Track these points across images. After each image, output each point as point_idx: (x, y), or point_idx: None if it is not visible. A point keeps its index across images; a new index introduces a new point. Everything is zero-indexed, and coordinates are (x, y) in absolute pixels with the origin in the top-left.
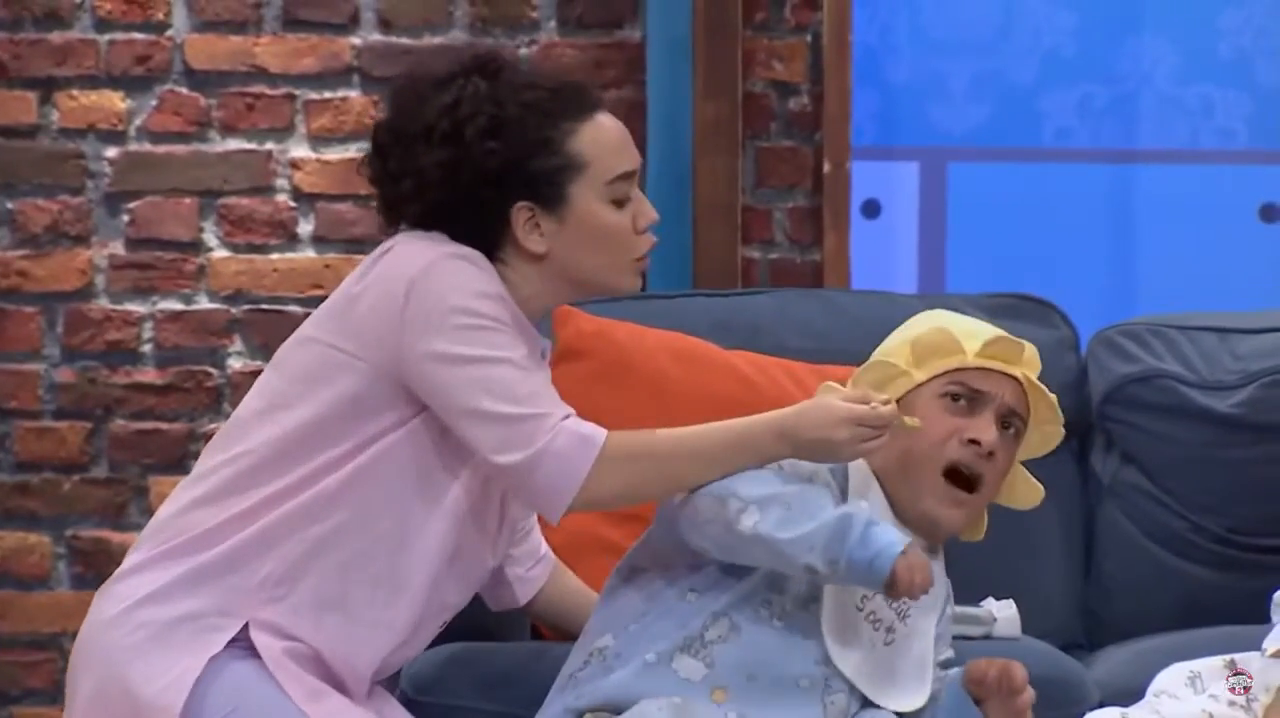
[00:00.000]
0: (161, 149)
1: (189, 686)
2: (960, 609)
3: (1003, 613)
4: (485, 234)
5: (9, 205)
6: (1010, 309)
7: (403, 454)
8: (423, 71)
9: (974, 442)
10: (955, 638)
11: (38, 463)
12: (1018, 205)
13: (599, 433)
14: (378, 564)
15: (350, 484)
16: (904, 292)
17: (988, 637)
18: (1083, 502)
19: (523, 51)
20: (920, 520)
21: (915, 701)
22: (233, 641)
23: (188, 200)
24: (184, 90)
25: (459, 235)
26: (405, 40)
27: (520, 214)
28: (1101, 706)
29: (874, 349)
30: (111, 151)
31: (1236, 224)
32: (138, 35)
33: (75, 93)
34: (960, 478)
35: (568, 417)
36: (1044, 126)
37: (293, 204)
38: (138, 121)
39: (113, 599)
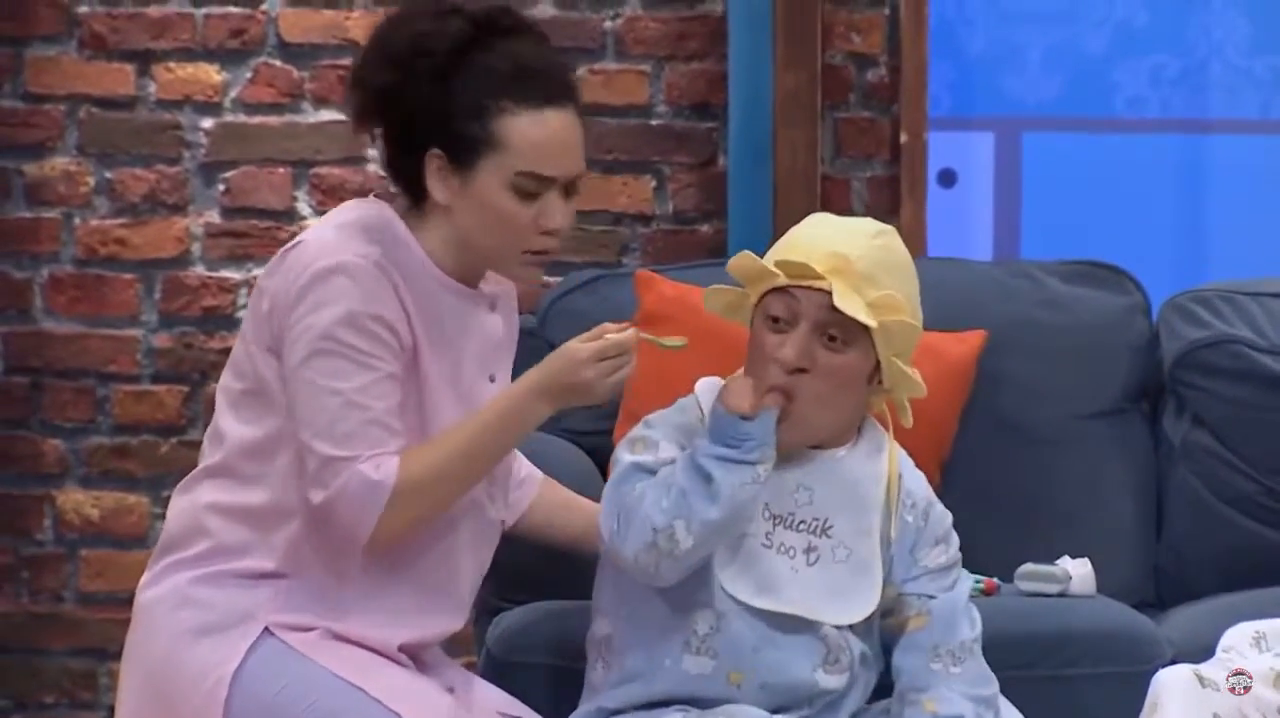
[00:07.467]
0: (255, 120)
1: (229, 675)
2: (1036, 567)
3: (1078, 571)
4: (411, 171)
5: (108, 175)
6: (1083, 276)
7: None
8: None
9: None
10: (1032, 596)
11: (136, 426)
12: (1091, 174)
13: (389, 477)
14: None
15: None
16: (979, 259)
17: (1063, 595)
18: (1154, 464)
19: (607, 24)
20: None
21: (856, 610)
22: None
23: (281, 170)
24: (277, 63)
25: (399, 166)
26: None
27: (431, 160)
28: (1174, 662)
29: (946, 317)
30: (207, 122)
31: None
32: (233, 9)
33: (172, 65)
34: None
35: (370, 458)
36: (1116, 97)
37: (383, 174)
38: (233, 93)
39: (145, 610)
